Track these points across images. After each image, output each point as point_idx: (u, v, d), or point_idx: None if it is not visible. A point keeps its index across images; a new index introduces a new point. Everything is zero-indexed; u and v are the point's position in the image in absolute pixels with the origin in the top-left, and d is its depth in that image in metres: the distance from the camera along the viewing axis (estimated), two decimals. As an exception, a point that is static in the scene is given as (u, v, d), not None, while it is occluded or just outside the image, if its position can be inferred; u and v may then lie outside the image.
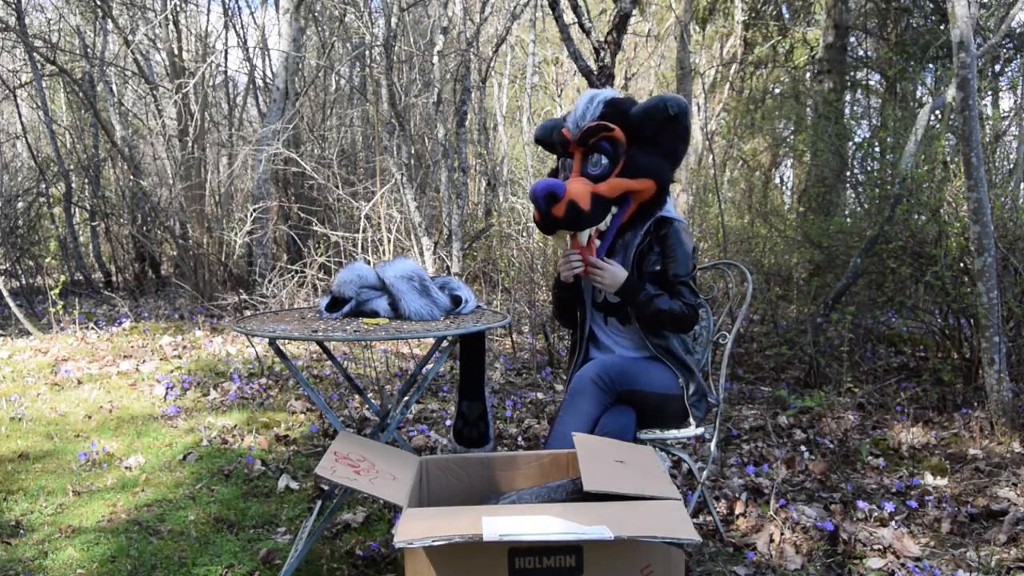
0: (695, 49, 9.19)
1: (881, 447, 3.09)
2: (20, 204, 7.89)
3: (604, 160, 2.07)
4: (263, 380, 4.06)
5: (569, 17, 4.24)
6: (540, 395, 3.84)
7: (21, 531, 2.31)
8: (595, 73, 3.75)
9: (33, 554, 2.15)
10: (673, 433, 2.12)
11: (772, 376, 4.33)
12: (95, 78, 8.08)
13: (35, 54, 7.33)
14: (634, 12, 4.54)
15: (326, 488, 2.36)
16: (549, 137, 2.22)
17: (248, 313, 5.07)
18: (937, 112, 4.86)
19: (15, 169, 8.89)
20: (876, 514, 2.37)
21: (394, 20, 5.83)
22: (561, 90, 9.38)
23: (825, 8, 7.00)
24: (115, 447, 3.03)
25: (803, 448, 3.08)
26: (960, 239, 3.64)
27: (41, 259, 7.56)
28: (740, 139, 9.36)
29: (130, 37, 7.35)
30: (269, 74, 8.18)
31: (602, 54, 3.75)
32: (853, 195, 6.23)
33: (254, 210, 6.48)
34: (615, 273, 2.08)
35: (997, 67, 7.42)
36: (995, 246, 3.15)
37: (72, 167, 8.22)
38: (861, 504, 2.41)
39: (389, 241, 5.53)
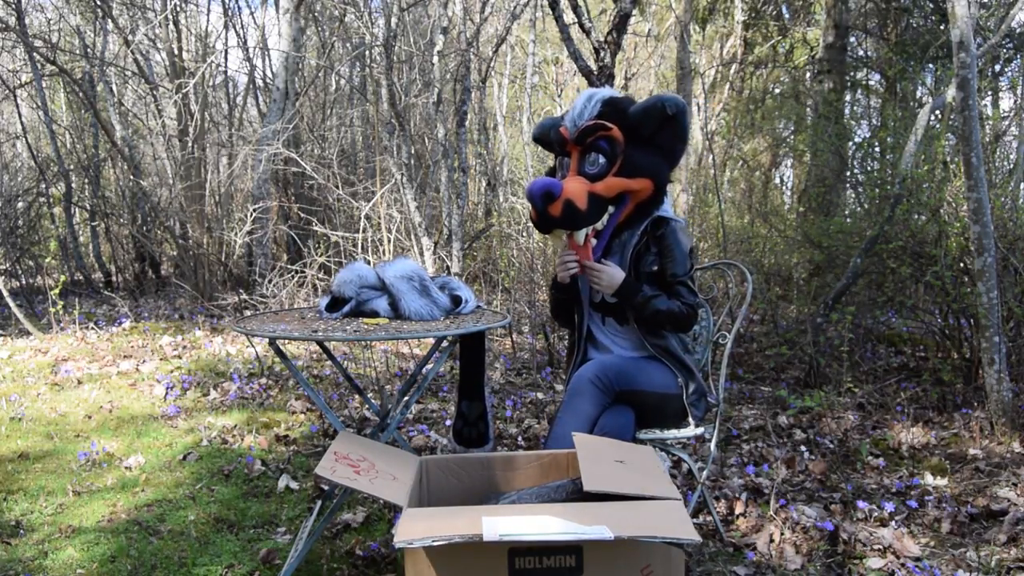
0: (695, 49, 9.20)
1: (881, 447, 3.09)
2: (20, 204, 7.89)
3: (601, 159, 2.06)
4: (263, 380, 4.06)
5: (569, 17, 4.24)
6: (540, 395, 3.84)
7: (21, 531, 2.31)
8: (595, 73, 3.75)
9: (33, 554, 2.15)
10: (673, 433, 2.12)
11: (772, 376, 4.33)
12: (95, 78, 8.08)
13: (35, 54, 7.33)
14: (634, 12, 4.54)
15: (326, 488, 2.36)
16: (547, 136, 2.22)
17: (248, 313, 5.07)
18: (937, 112, 4.86)
19: (15, 169, 8.89)
20: (876, 514, 2.37)
21: (394, 20, 5.83)
22: (561, 90, 9.38)
23: (825, 8, 7.00)
24: (115, 447, 3.03)
25: (803, 448, 3.08)
26: (960, 239, 3.64)
27: (41, 259, 7.56)
28: (740, 139, 9.36)
29: (130, 37, 7.35)
30: (269, 74, 8.19)
31: (602, 54, 3.74)
32: (853, 195, 6.23)
33: (254, 210, 6.48)
34: (612, 275, 2.08)
35: (997, 67, 7.42)
36: (995, 246, 3.15)
37: (72, 167, 8.22)
38: (861, 504, 2.41)
39: (389, 241, 5.53)
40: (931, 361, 4.22)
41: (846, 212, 6.26)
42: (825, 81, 6.80)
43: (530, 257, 5.65)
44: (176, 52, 7.76)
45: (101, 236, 8.39)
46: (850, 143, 6.75)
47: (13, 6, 6.75)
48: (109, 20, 7.57)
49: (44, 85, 8.25)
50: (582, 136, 2.07)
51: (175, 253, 7.41)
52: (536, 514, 1.36)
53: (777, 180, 10.15)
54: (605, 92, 2.13)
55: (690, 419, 2.13)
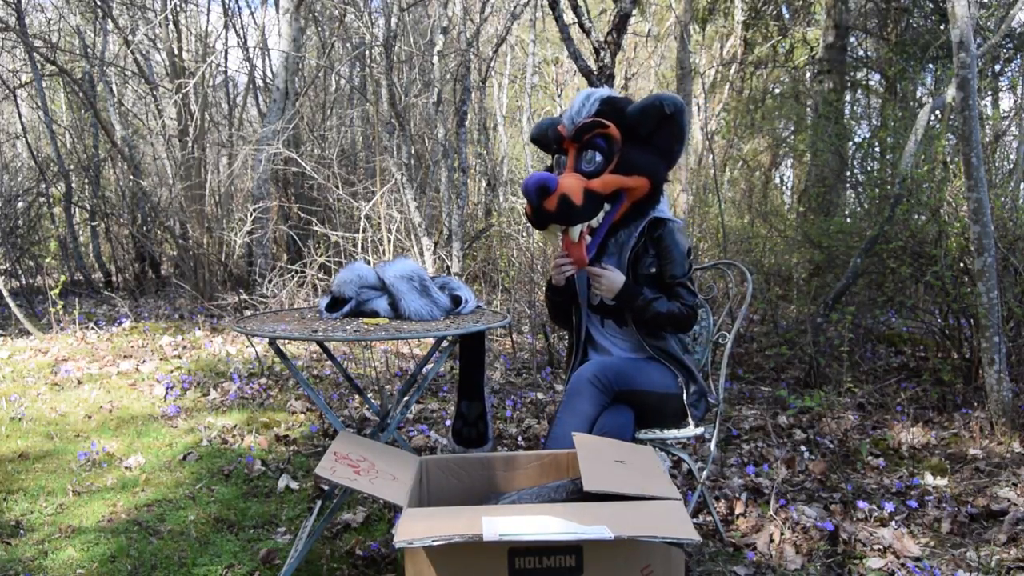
0: (695, 49, 9.20)
1: (881, 447, 3.09)
2: (20, 204, 7.88)
3: (598, 157, 2.06)
4: (263, 380, 4.06)
5: (569, 17, 4.24)
6: (540, 395, 3.84)
7: (21, 531, 2.31)
8: (595, 73, 3.75)
9: (33, 554, 2.15)
10: (673, 433, 2.12)
11: (772, 376, 4.33)
12: (95, 78, 8.08)
13: (35, 54, 7.33)
14: (634, 12, 4.54)
15: (326, 488, 2.36)
16: (544, 136, 2.22)
17: (248, 313, 5.07)
18: (937, 112, 4.86)
19: (15, 169, 8.89)
20: (876, 514, 2.37)
21: (394, 20, 5.83)
22: (561, 90, 9.38)
23: (825, 8, 7.00)
24: (115, 447, 3.03)
25: (803, 448, 3.09)
26: (960, 239, 3.64)
27: (41, 259, 7.56)
28: (740, 139, 9.35)
29: (130, 37, 7.35)
30: (269, 74, 8.19)
31: (602, 54, 3.74)
32: (853, 195, 6.23)
33: (254, 210, 6.48)
34: (612, 279, 2.08)
35: (997, 67, 7.42)
36: (995, 246, 3.15)
37: (72, 167, 8.22)
38: (861, 504, 2.41)
39: (389, 241, 5.53)
40: (931, 361, 4.22)
41: (846, 212, 6.26)
42: (825, 81, 6.80)
43: (530, 257, 5.65)
44: (176, 52, 7.76)
45: (101, 236, 8.39)
46: (850, 143, 6.75)
47: (13, 6, 6.75)
48: (109, 20, 7.57)
49: (44, 85, 8.25)
50: (579, 133, 2.07)
51: (175, 253, 7.41)
52: (536, 514, 1.36)
53: (777, 180, 10.15)
54: (603, 91, 2.13)
55: (690, 419, 2.13)
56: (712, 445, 2.27)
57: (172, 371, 4.24)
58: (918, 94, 7.58)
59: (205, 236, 6.67)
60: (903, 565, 2.06)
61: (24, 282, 7.36)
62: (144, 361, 4.45)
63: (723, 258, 5.43)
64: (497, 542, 1.26)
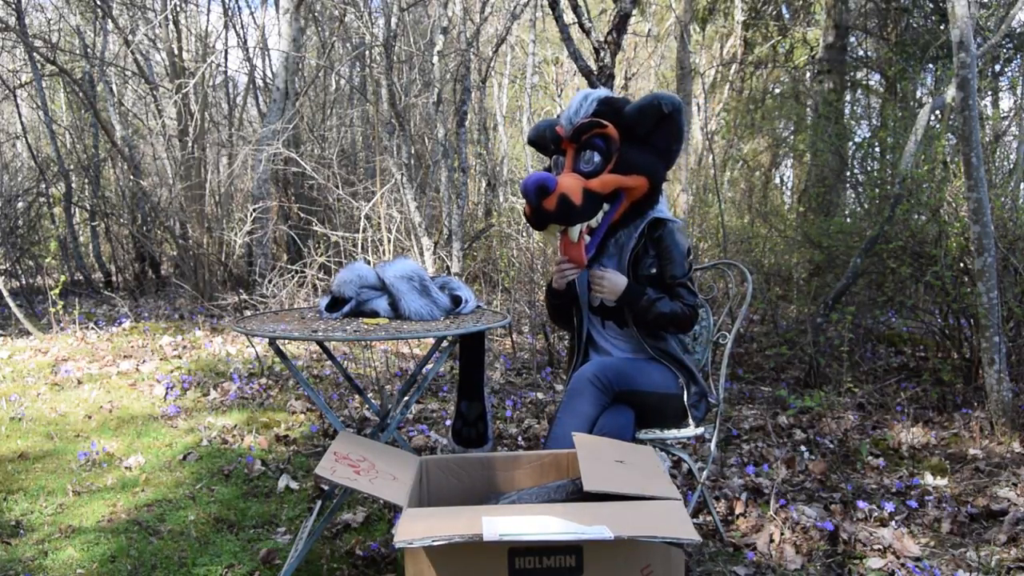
0: (695, 49, 9.20)
1: (881, 447, 3.09)
2: (20, 204, 7.88)
3: (597, 157, 2.06)
4: (263, 380, 4.06)
5: (569, 17, 4.24)
6: (540, 395, 3.84)
7: (21, 531, 2.31)
8: (595, 73, 3.75)
9: (33, 554, 2.15)
10: (673, 433, 2.12)
11: (772, 376, 4.33)
12: (95, 78, 8.08)
13: (35, 54, 7.33)
14: (634, 12, 4.54)
15: (326, 488, 2.36)
16: (542, 137, 2.22)
17: (248, 313, 5.07)
18: (937, 112, 4.86)
19: (15, 169, 8.89)
20: (876, 514, 2.37)
21: (394, 20, 5.83)
22: (561, 90, 9.38)
23: (825, 8, 7.00)
24: (115, 447, 3.03)
25: (803, 448, 3.08)
26: (960, 239, 3.64)
27: (41, 259, 7.56)
28: (740, 139, 9.35)
29: (130, 37, 7.35)
30: (269, 74, 8.19)
31: (602, 54, 3.74)
32: (853, 195, 6.23)
33: (254, 210, 6.48)
34: (615, 281, 2.07)
35: (997, 67, 7.42)
36: (995, 246, 3.15)
37: (72, 167, 8.22)
38: (861, 504, 2.41)
39: (389, 241, 5.53)
40: (931, 361, 4.22)
41: (846, 212, 6.26)
42: (825, 81, 6.80)
43: (530, 257, 5.65)
44: (176, 52, 7.76)
45: (101, 236, 8.39)
46: (850, 143, 6.75)
47: (13, 6, 6.75)
48: (109, 20, 7.57)
49: (44, 85, 8.25)
50: (578, 133, 2.07)
51: (175, 253, 7.41)
52: (536, 514, 1.36)
53: (777, 180, 10.15)
54: (601, 91, 2.13)
55: (690, 419, 2.13)
56: (712, 445, 2.27)
57: (172, 371, 4.24)
58: (918, 94, 7.58)
59: (205, 236, 6.67)
60: (903, 565, 2.06)
61: (24, 282, 7.36)
62: (144, 361, 4.45)
63: (723, 258, 5.43)
64: (497, 542, 1.26)
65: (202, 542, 2.24)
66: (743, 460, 2.94)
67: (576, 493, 1.62)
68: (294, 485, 2.68)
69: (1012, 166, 6.19)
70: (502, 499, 1.70)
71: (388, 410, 2.27)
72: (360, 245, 5.67)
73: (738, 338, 4.67)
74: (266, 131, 6.70)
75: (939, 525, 2.34)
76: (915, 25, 7.48)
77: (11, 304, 5.31)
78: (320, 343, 2.44)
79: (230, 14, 8.10)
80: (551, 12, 3.92)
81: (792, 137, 9.32)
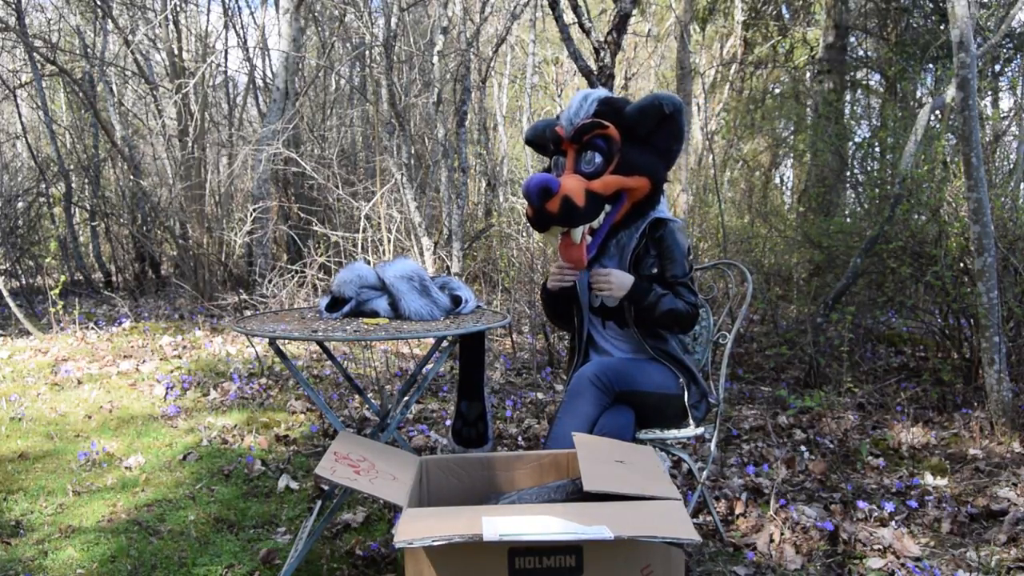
0: (695, 49, 9.19)
1: (881, 447, 3.09)
2: (20, 204, 7.88)
3: (598, 158, 2.05)
4: (263, 380, 4.06)
5: (569, 17, 4.24)
6: (540, 395, 3.84)
7: (21, 531, 2.31)
8: (595, 73, 3.75)
9: (33, 554, 2.15)
10: (673, 433, 2.12)
11: (772, 376, 4.33)
12: (95, 78, 8.08)
13: (35, 54, 7.33)
14: (634, 12, 4.54)
15: (326, 488, 2.36)
16: (541, 136, 2.21)
17: (248, 313, 5.07)
18: (937, 112, 4.86)
19: (15, 169, 8.88)
20: (876, 514, 2.37)
21: (394, 20, 5.83)
22: (561, 90, 9.38)
23: (825, 8, 7.00)
24: (115, 447, 3.03)
25: (803, 448, 3.08)
26: (960, 239, 3.64)
27: (41, 259, 7.56)
28: (740, 139, 9.36)
29: (130, 37, 7.35)
30: (269, 74, 8.19)
31: (602, 54, 3.74)
32: (853, 195, 6.23)
33: (254, 210, 6.48)
34: (621, 278, 2.07)
35: (997, 67, 7.42)
36: (995, 246, 3.15)
37: (72, 167, 8.22)
38: (861, 504, 2.41)
39: (389, 241, 5.53)
40: (931, 361, 4.22)
41: (846, 212, 6.27)
42: (825, 81, 6.80)
43: (530, 257, 5.64)
44: (176, 52, 7.76)
45: (101, 236, 8.40)
46: (850, 143, 6.75)
47: (13, 6, 6.75)
48: (109, 20, 7.57)
49: (44, 85, 8.25)
50: (578, 134, 2.06)
51: (175, 253, 7.41)
52: (536, 514, 1.36)
53: (777, 180, 10.15)
54: (601, 92, 2.13)
55: (690, 419, 2.13)
56: (712, 445, 2.27)
57: (172, 371, 4.24)
58: (918, 94, 7.58)
59: (205, 236, 6.67)
60: (903, 565, 2.06)
61: (24, 282, 7.36)
62: (144, 361, 4.45)
63: (723, 258, 5.43)
64: (497, 542, 1.26)
65: (202, 542, 2.24)
66: (743, 460, 2.94)
67: (576, 493, 1.62)
68: (294, 485, 2.68)
69: (1012, 166, 6.19)
70: (502, 499, 1.70)
71: (388, 410, 2.27)
72: (360, 245, 5.67)
73: (738, 338, 4.67)
74: (266, 131, 6.70)
75: (939, 525, 2.34)
76: (915, 25, 7.48)
77: (11, 304, 5.31)
78: (320, 343, 2.44)
79: (230, 14, 8.10)
80: (551, 12, 3.92)
81: (792, 137, 9.33)
